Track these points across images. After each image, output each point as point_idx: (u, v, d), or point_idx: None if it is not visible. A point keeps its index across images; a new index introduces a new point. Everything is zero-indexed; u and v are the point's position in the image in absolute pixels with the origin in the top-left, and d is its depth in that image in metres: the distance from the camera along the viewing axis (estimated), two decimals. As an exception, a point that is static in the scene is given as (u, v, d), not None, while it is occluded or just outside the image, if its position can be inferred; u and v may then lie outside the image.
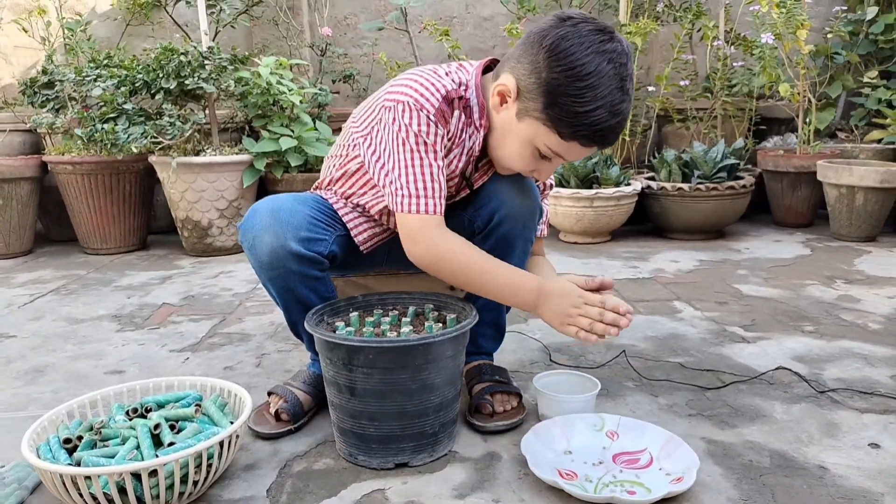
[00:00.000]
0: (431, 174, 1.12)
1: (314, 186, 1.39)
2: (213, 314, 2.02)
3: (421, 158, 1.11)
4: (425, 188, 1.11)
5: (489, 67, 1.20)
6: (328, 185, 1.33)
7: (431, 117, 1.11)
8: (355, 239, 1.28)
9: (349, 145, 1.26)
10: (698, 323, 1.83)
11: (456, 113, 1.16)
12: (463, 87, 1.16)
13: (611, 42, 1.02)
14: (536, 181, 1.34)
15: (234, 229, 2.79)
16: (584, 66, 1.01)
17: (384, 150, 1.14)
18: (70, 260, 2.79)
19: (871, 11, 3.42)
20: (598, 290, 1.15)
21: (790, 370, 1.48)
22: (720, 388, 1.41)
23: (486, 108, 1.16)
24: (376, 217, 1.29)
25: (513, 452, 1.15)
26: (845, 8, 3.24)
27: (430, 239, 1.12)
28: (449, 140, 1.17)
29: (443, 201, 1.13)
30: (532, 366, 1.56)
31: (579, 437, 1.16)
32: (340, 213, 1.27)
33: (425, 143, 1.11)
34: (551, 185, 1.44)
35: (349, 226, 1.27)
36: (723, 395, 1.38)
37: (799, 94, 3.00)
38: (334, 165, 1.31)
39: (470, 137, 1.19)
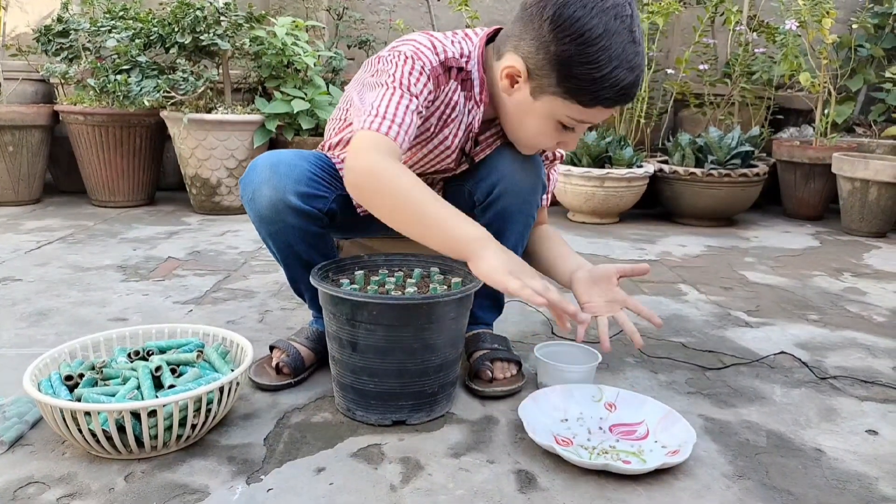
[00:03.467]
0: (407, 107, 1.04)
1: (318, 148, 1.38)
2: (217, 270, 2.02)
3: (401, 95, 1.04)
4: (394, 115, 1.02)
5: (493, 38, 1.16)
6: (328, 150, 1.32)
7: (426, 70, 1.07)
8: (354, 201, 1.27)
9: (346, 108, 1.25)
10: (702, 306, 1.82)
11: (452, 83, 1.13)
12: (465, 59, 1.13)
13: None
14: (552, 160, 1.34)
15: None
16: (592, 30, 0.96)
17: (367, 85, 1.09)
18: (78, 211, 2.79)
19: (899, 5, 3.36)
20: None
21: (792, 355, 1.48)
22: (721, 369, 1.40)
23: (485, 83, 1.13)
24: None
25: (510, 417, 1.16)
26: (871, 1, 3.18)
27: (374, 157, 0.99)
28: (438, 108, 1.14)
29: (406, 137, 1.03)
30: (534, 337, 1.56)
31: (577, 407, 1.16)
32: (341, 173, 1.25)
33: (409, 86, 1.05)
34: (561, 156, 1.40)
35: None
36: (723, 375, 1.38)
37: (819, 84, 2.96)
38: (333, 130, 1.31)
39: (469, 112, 1.16)
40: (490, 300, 1.37)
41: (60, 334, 1.48)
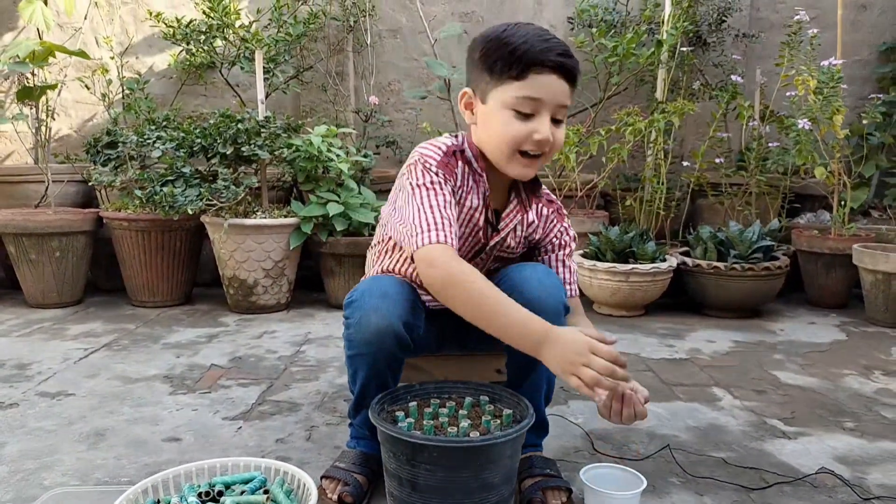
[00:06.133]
0: (440, 206, 1.22)
1: (373, 269, 1.49)
2: (260, 379, 2.08)
3: (430, 198, 1.23)
4: (435, 222, 1.20)
5: None
6: (373, 267, 1.47)
7: (434, 166, 1.26)
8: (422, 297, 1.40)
9: (382, 227, 1.43)
10: (738, 413, 1.85)
11: (460, 164, 1.30)
12: (460, 144, 1.33)
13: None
14: (563, 247, 1.46)
15: (277, 289, 2.87)
16: (495, 30, 1.23)
17: (400, 205, 1.28)
18: (118, 312, 2.88)
19: (905, 94, 3.49)
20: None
21: (832, 473, 1.50)
22: (764, 489, 1.43)
23: (478, 154, 1.31)
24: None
25: (564, 551, 1.18)
26: (880, 96, 3.30)
27: (446, 263, 1.17)
28: (458, 188, 1.30)
29: (453, 236, 1.21)
30: (576, 454, 1.59)
31: (629, 539, 1.19)
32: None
33: (432, 185, 1.24)
34: (574, 238, 1.51)
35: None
36: (767, 497, 1.40)
37: (834, 177, 3.05)
38: (374, 255, 1.47)
39: (477, 183, 1.32)
40: (535, 423, 1.41)
41: (119, 458, 1.54)
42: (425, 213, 1.21)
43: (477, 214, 1.34)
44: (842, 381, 2.13)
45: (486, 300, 1.14)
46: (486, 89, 1.23)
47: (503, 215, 1.38)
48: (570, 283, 1.48)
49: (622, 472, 1.37)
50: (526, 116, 1.21)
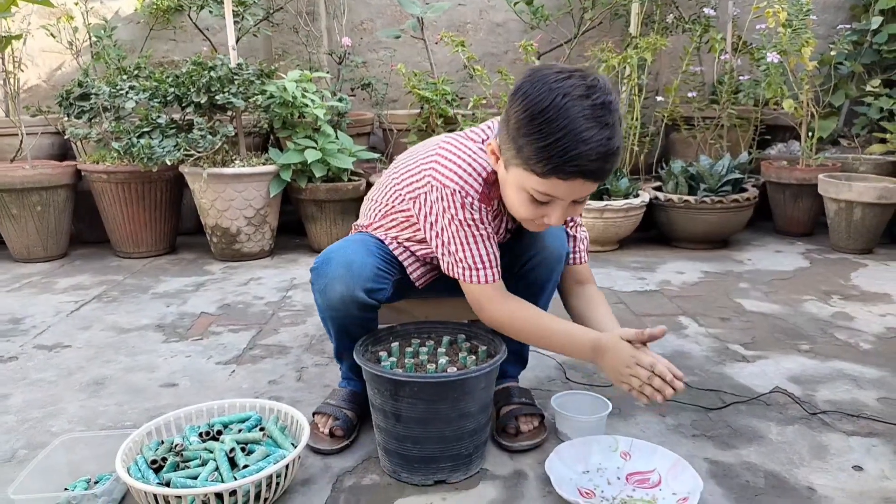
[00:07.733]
0: (485, 246, 1.26)
1: (355, 225, 1.52)
2: (249, 324, 2.17)
3: (474, 235, 1.24)
4: (482, 260, 1.26)
5: None
6: (375, 228, 1.43)
7: (476, 203, 1.23)
8: (411, 276, 1.42)
9: (395, 198, 1.36)
10: (702, 340, 1.97)
11: (494, 191, 1.27)
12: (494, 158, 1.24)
13: (568, 79, 1.06)
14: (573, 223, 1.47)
15: (260, 236, 2.92)
16: (538, 104, 1.05)
17: (439, 225, 1.26)
18: (104, 264, 2.93)
19: (876, 21, 3.52)
20: (649, 341, 1.22)
21: (785, 392, 1.63)
22: (721, 409, 1.55)
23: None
24: (426, 259, 1.43)
25: (537, 471, 1.30)
26: (849, 26, 3.33)
27: (493, 307, 1.28)
28: (493, 213, 1.30)
29: (498, 269, 1.27)
30: (549, 383, 1.71)
31: (596, 458, 1.31)
32: (397, 254, 1.40)
33: (475, 221, 1.24)
34: (581, 225, 1.50)
35: (405, 265, 1.41)
36: (724, 415, 1.53)
37: (802, 109, 3.12)
38: (378, 212, 1.41)
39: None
40: (515, 355, 1.50)
41: (120, 404, 1.63)
42: (471, 250, 1.25)
43: (502, 228, 1.37)
44: (801, 306, 2.26)
45: (540, 331, 1.28)
46: (509, 160, 1.14)
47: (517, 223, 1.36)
48: (577, 251, 1.46)
49: (590, 398, 1.49)
50: (541, 203, 1.15)
